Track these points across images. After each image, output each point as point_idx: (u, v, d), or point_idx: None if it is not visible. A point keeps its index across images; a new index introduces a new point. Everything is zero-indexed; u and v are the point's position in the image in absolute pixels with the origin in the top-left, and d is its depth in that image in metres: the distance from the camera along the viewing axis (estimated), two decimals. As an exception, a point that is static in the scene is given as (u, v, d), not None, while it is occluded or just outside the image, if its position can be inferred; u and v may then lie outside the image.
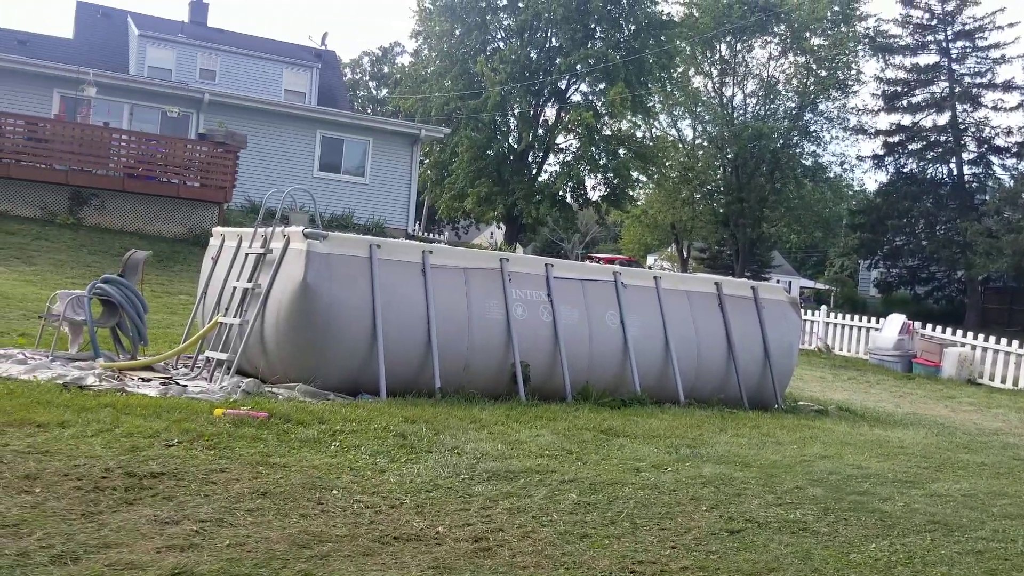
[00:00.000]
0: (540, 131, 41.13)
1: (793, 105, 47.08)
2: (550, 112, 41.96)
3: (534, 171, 41.45)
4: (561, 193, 40.64)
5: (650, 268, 51.85)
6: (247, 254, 8.91)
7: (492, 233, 55.30)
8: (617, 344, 9.58)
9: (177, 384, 8.10)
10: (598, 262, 25.73)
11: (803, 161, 47.00)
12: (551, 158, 42.63)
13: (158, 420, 6.33)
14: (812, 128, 47.44)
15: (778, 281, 55.67)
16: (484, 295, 8.83)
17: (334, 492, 5.15)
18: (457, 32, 40.45)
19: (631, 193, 43.73)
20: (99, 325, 9.28)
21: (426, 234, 42.08)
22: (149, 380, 8.19)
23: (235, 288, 8.86)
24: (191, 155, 21.85)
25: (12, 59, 24.28)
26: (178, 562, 3.87)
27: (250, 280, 8.65)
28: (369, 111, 57.82)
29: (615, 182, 41.29)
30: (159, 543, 4.10)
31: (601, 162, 40.40)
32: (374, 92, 65.73)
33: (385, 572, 4.06)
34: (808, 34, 45.55)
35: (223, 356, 8.54)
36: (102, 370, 8.22)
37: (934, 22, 43.90)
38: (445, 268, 8.74)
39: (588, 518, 5.12)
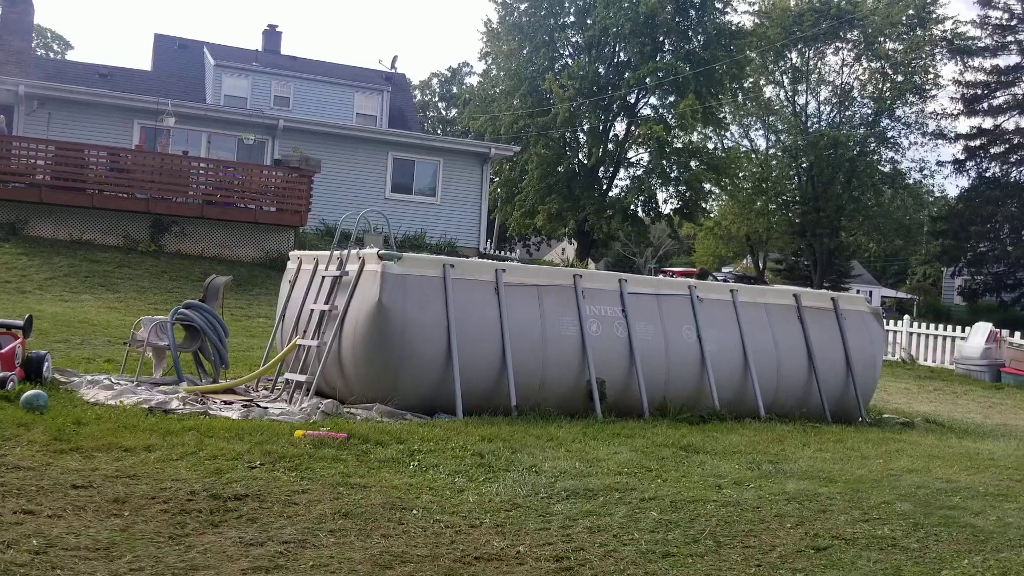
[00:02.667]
0: (610, 146, 41.05)
1: (869, 111, 46.04)
2: (620, 126, 41.90)
3: (605, 186, 41.35)
4: (632, 207, 40.44)
5: (726, 281, 51.03)
6: (323, 276, 9.05)
7: (564, 249, 55.24)
8: (694, 359, 9.43)
9: (258, 406, 8.24)
10: (672, 276, 25.44)
11: (881, 168, 45.86)
12: (622, 172, 42.52)
13: (240, 442, 6.43)
14: (889, 134, 46.30)
15: (858, 291, 54.22)
16: (558, 312, 8.80)
17: (414, 512, 5.15)
18: (525, 50, 40.71)
19: (704, 205, 43.31)
20: (182, 350, 9.51)
21: (497, 252, 42.28)
22: (231, 403, 8.35)
23: (312, 310, 9.00)
24: (267, 181, 22.35)
25: (95, 92, 25.22)
26: (263, 584, 3.91)
27: (327, 302, 8.77)
28: (439, 132, 58.44)
29: (687, 195, 40.92)
30: (245, 565, 4.15)
31: (672, 175, 40.10)
32: (443, 113, 66.50)
33: (466, 593, 4.04)
34: (882, 39, 44.54)
35: (302, 378, 8.66)
36: (185, 394, 8.40)
37: (1014, 22, 42.42)
38: (519, 286, 8.73)
39: (670, 536, 5.02)
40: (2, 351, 7.84)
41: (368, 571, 4.19)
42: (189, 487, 5.29)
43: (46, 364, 8.23)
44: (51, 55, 53.50)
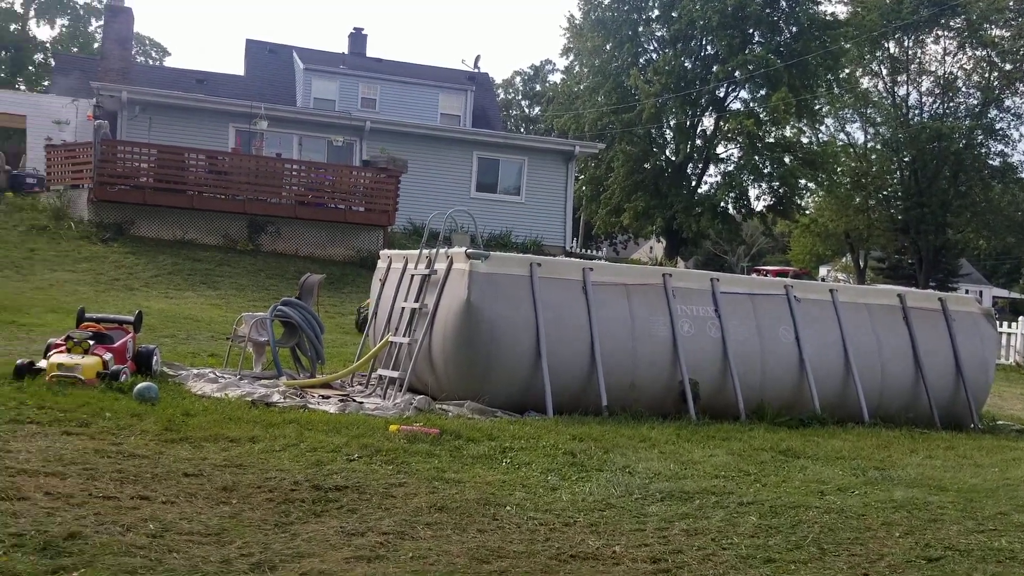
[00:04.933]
0: (698, 141, 40.46)
1: (975, 102, 44.14)
2: (708, 122, 41.24)
3: (693, 183, 40.78)
4: (723, 204, 39.74)
5: (823, 280, 49.74)
6: (413, 275, 9.19)
7: (652, 247, 54.66)
8: (792, 360, 9.23)
9: (354, 401, 8.42)
10: (765, 275, 24.95)
11: (990, 161, 43.91)
12: (711, 169, 41.85)
13: (338, 436, 6.59)
14: (998, 126, 44.27)
15: (967, 291, 52.18)
16: (648, 311, 8.73)
17: (508, 508, 5.20)
18: (608, 46, 40.42)
19: (799, 201, 42.21)
20: (281, 345, 9.78)
21: (583, 250, 42.14)
22: (328, 397, 8.56)
23: (403, 308, 9.14)
24: (356, 181, 22.80)
25: (193, 97, 26.13)
26: (366, 573, 4.00)
27: (417, 300, 8.90)
28: (522, 130, 58.61)
29: (781, 191, 40.03)
30: (347, 554, 4.25)
31: (765, 170, 39.28)
32: (526, 111, 66.63)
33: (565, 590, 4.05)
34: (988, 26, 42.70)
35: (394, 374, 8.82)
36: (285, 388, 8.65)
37: None
38: (607, 285, 8.71)
39: (771, 542, 4.93)
40: (115, 345, 8.21)
41: (465, 565, 4.25)
42: (292, 477, 5.45)
43: (155, 358, 8.58)
44: (149, 62, 55.58)
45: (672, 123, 39.73)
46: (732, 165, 40.76)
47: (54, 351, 7.91)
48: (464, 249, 8.48)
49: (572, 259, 9.98)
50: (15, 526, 4.14)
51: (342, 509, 4.97)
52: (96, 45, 55.41)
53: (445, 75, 37.76)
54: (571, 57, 44.45)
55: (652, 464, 6.47)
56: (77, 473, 5.15)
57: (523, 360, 8.27)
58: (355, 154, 26.11)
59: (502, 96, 63.79)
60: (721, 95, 40.14)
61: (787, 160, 39.53)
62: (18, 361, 7.75)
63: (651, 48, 41.63)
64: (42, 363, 7.72)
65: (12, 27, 56.94)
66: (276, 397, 8.09)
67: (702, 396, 8.72)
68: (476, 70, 43.19)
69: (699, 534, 5.01)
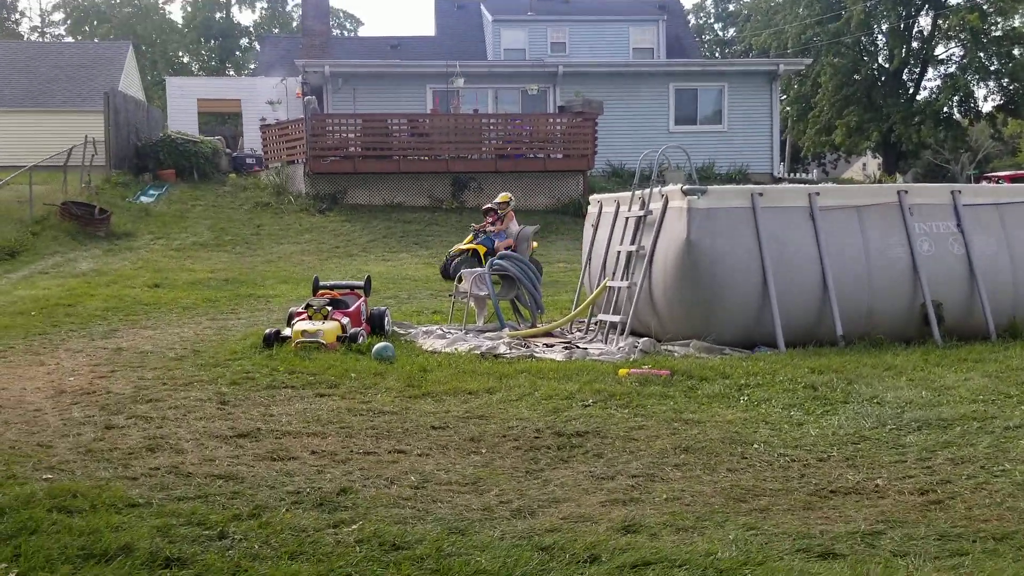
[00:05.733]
0: (914, 44, 37.40)
1: None
2: (924, 21, 38.00)
3: (911, 90, 37.87)
4: (945, 110, 36.67)
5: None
6: (627, 218, 9.07)
7: (864, 164, 51.40)
8: (1050, 273, 8.39)
9: (578, 348, 8.50)
10: (998, 182, 22.85)
11: None
12: (930, 73, 38.67)
13: (570, 383, 6.67)
14: None
15: None
16: (882, 233, 8.20)
17: (755, 446, 5.07)
18: (808, -50, 37.97)
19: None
20: (501, 298, 10.01)
21: (790, 175, 40.28)
22: (552, 346, 8.68)
23: (619, 252, 9.07)
24: (552, 128, 22.82)
25: (389, 64, 27.00)
26: (625, 516, 4.02)
27: (633, 242, 8.79)
28: (718, 55, 56.34)
29: (1011, 88, 36.38)
30: (602, 498, 4.30)
31: (992, 68, 35.82)
32: (720, 34, 63.91)
33: (831, 525, 3.90)
34: None
35: (615, 319, 8.80)
36: (510, 339, 8.85)
37: None
38: (834, 209, 8.23)
39: (1051, 469, 4.54)
40: (350, 310, 8.69)
41: (722, 504, 4.19)
42: (534, 425, 5.58)
43: (387, 319, 9.02)
44: (345, 34, 58.01)
45: (884, 27, 36.85)
46: (954, 66, 37.41)
47: (297, 319, 8.48)
48: (680, 186, 8.27)
49: (796, 185, 9.50)
50: (291, 484, 4.48)
51: (587, 454, 5.03)
52: (295, 24, 58.57)
53: (634, 7, 36.82)
54: (766, -31, 42.12)
55: (901, 393, 6.11)
56: (335, 432, 5.51)
57: (748, 295, 8.01)
58: (549, 101, 26.12)
59: (694, 22, 61.51)
60: (938, -10, 36.82)
61: (1017, 53, 35.78)
62: (266, 331, 8.36)
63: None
64: (287, 331, 8.29)
65: (217, 16, 61.13)
66: (503, 349, 8.29)
67: (946, 318, 8.12)
68: (665, -2, 41.79)
69: (966, 462, 4.69)
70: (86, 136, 22.74)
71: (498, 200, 14.75)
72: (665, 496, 4.30)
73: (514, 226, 14.75)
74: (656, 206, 8.55)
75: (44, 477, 4.55)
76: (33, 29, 63.44)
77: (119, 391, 6.56)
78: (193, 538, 3.74)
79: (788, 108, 38.99)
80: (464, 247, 14.40)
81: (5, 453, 4.98)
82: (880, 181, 31.15)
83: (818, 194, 8.27)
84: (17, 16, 64.65)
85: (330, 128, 22.14)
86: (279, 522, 3.91)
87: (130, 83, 34.38)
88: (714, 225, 8.02)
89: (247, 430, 5.51)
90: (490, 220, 14.56)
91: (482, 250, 14.15)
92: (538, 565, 3.50)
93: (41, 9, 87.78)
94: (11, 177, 19.79)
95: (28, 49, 36.72)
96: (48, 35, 61.53)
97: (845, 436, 5.21)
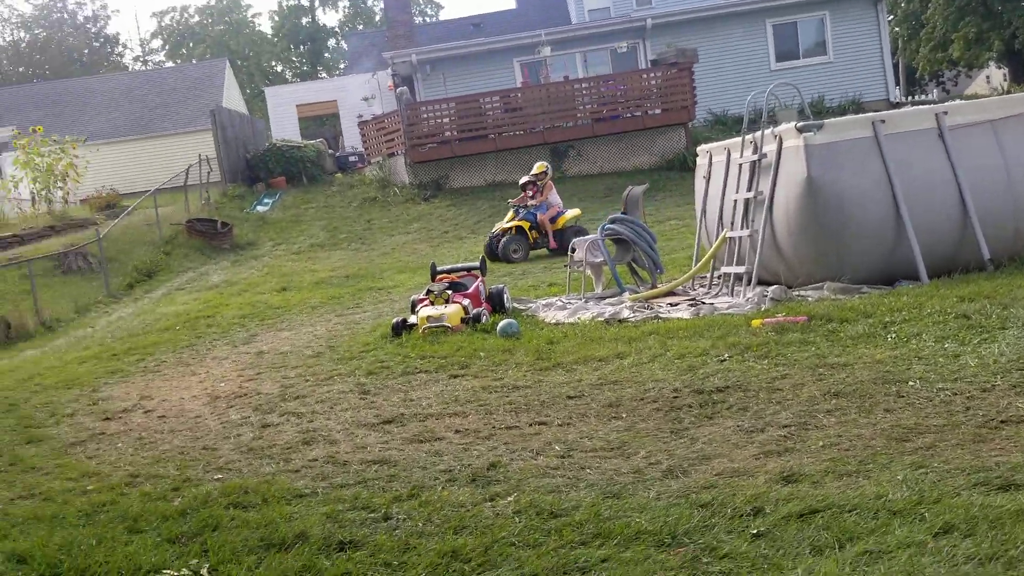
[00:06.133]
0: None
1: None
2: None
3: (1035, -11, 35.25)
4: (1077, 5, 34.04)
5: None
6: (740, 164, 8.78)
7: (988, 77, 48.31)
8: None
9: (703, 303, 8.29)
10: None
11: None
12: (1058, -36, 35.87)
13: (701, 339, 6.51)
14: None
15: None
16: (1023, 146, 7.65)
17: (911, 384, 4.82)
18: None
19: None
20: (617, 262, 9.87)
21: (907, 98, 38.28)
22: (676, 304, 8.50)
23: (736, 201, 8.79)
24: (647, 84, 22.33)
25: (474, 43, 26.95)
26: (782, 467, 3.89)
27: (749, 189, 8.51)
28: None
29: None
30: (754, 451, 4.16)
31: None
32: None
33: (1007, 456, 3.68)
34: None
35: (740, 269, 8.55)
36: (631, 303, 8.72)
37: None
38: (967, 126, 7.73)
39: None
40: (470, 291, 8.73)
41: (884, 446, 4.00)
42: (671, 385, 5.46)
43: (505, 295, 9.03)
44: (426, 20, 58.38)
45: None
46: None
47: (420, 306, 8.58)
48: (793, 124, 7.93)
49: (920, 107, 9.00)
50: (442, 463, 4.52)
51: (732, 409, 4.89)
52: (378, 18, 59.28)
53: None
54: None
55: (1064, 313, 5.72)
56: (475, 410, 5.54)
57: (880, 228, 7.63)
58: (640, 57, 25.60)
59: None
60: None
61: None
62: (393, 321, 8.48)
63: None
64: (412, 318, 8.38)
65: (304, 20, 62.44)
66: (626, 313, 8.16)
67: (1102, 228, 7.55)
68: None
69: None
70: (200, 155, 23.65)
71: (534, 171, 14.52)
72: (821, 443, 4.13)
73: (554, 196, 14.52)
74: (770, 148, 8.23)
75: (215, 477, 4.75)
76: (136, 59, 66.35)
77: (268, 391, 6.78)
78: (361, 521, 3.85)
79: (897, 28, 36.99)
80: (507, 225, 14.19)
81: (176, 459, 5.22)
82: (1009, 92, 29.27)
83: (946, 113, 7.79)
84: (120, 49, 67.70)
85: (424, 115, 22.29)
86: (437, 500, 3.96)
87: (232, 98, 35.52)
88: (835, 159, 7.66)
89: (391, 416, 5.60)
90: (529, 193, 14.33)
91: (526, 225, 14.00)
92: (700, 522, 3.42)
93: (140, 39, 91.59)
94: (138, 202, 20.80)
95: (134, 79, 38.37)
96: (149, 62, 64.22)
97: (1008, 363, 4.90)
